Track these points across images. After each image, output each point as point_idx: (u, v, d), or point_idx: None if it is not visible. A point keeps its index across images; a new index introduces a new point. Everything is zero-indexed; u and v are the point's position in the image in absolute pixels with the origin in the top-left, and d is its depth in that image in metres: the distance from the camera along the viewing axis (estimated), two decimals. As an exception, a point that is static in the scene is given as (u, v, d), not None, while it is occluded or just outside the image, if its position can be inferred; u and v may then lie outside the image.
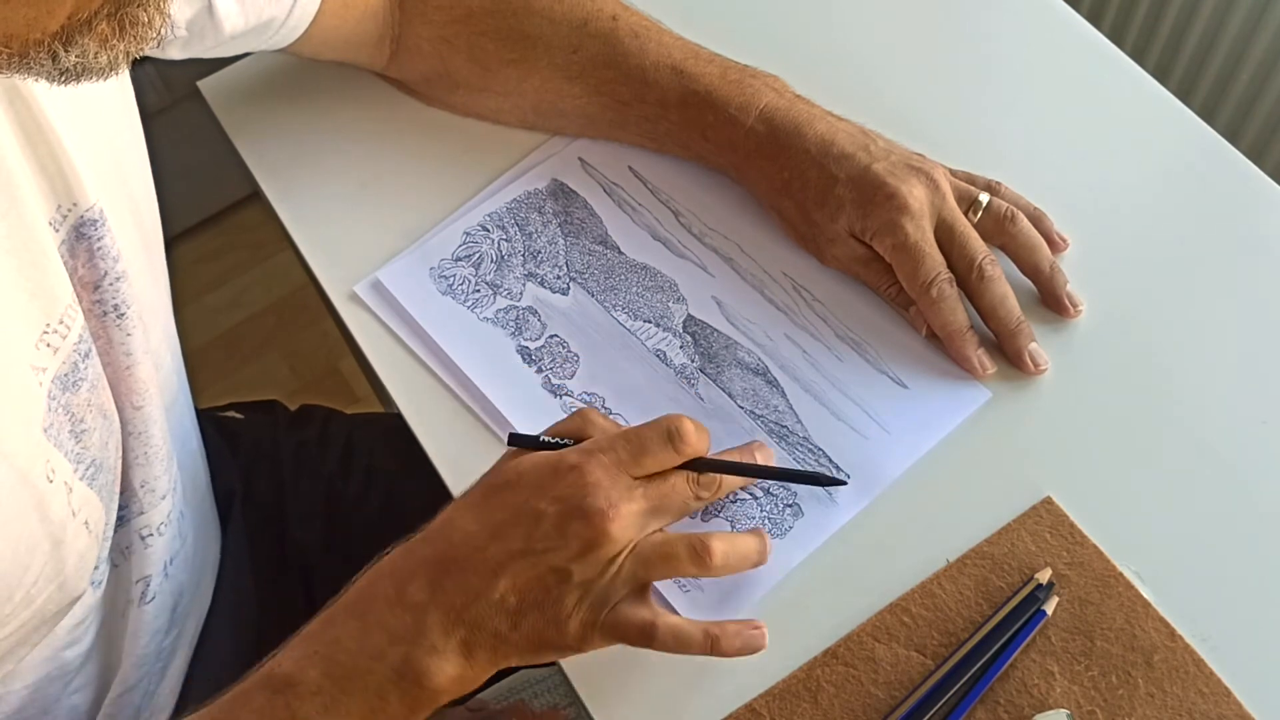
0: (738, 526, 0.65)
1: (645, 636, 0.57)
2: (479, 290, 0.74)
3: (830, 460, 0.67)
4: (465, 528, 0.57)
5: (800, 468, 0.67)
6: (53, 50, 0.40)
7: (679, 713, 0.61)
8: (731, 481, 0.62)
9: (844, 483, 0.65)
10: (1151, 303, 0.71)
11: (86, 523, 0.57)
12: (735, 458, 0.63)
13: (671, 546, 0.57)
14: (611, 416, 0.69)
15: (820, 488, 0.65)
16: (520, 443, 0.61)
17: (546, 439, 0.60)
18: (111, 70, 0.42)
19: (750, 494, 0.66)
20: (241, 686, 0.56)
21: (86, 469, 0.57)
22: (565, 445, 0.59)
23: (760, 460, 0.64)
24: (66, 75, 0.41)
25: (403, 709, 0.55)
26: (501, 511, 0.56)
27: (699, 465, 0.60)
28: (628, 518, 0.56)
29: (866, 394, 0.69)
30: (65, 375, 0.54)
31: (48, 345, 0.53)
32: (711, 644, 0.57)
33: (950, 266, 0.68)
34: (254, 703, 0.55)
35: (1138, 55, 1.23)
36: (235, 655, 0.77)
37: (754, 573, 0.63)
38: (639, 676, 0.62)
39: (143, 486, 0.64)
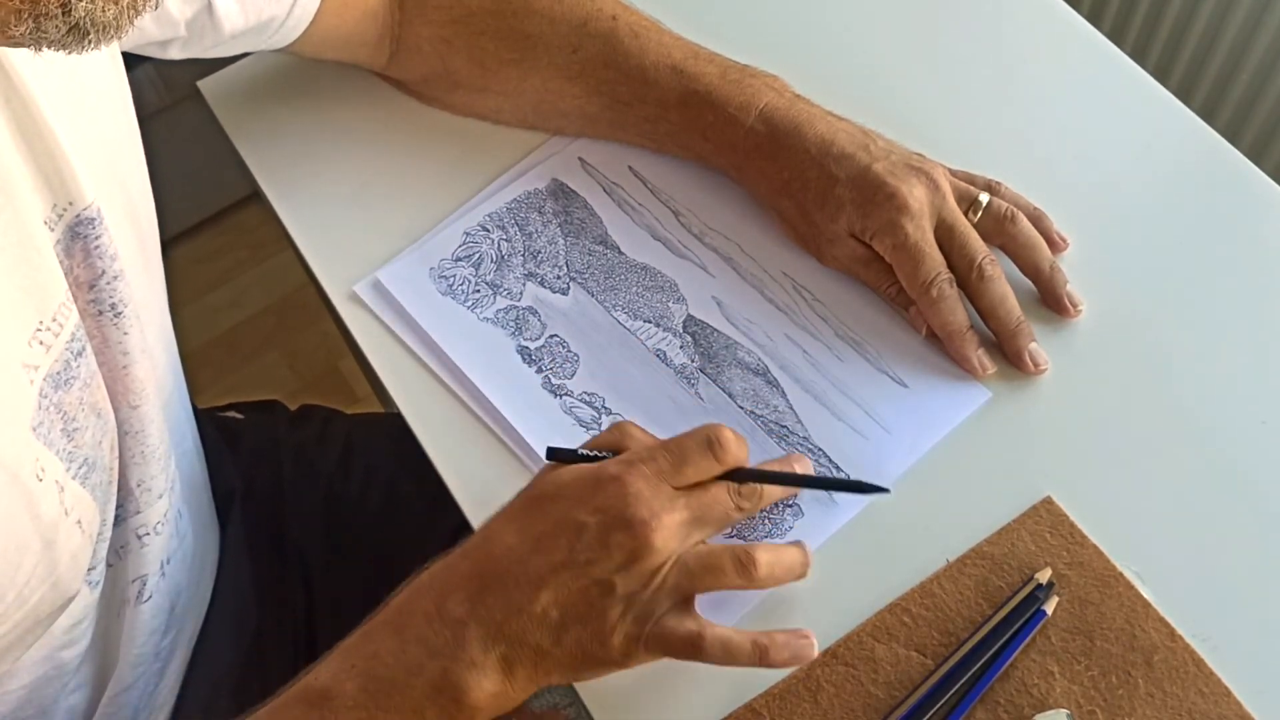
0: (738, 527, 0.65)
1: (692, 648, 0.56)
2: (479, 290, 0.74)
3: (830, 460, 0.67)
4: (505, 541, 0.56)
5: (842, 476, 0.66)
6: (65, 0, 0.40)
7: (679, 713, 0.61)
8: (773, 492, 0.62)
9: (887, 490, 0.63)
10: (1151, 303, 0.71)
11: (79, 522, 0.57)
12: (776, 469, 0.63)
13: (716, 558, 0.57)
14: (611, 416, 0.69)
15: (821, 489, 0.65)
16: (558, 456, 0.60)
17: (584, 451, 0.60)
18: (117, 28, 0.42)
19: (750, 494, 0.66)
20: (278, 700, 0.55)
21: (79, 468, 0.57)
22: (603, 458, 0.59)
23: (799, 472, 0.64)
24: (75, 33, 0.41)
25: None
26: (542, 524, 0.56)
27: (739, 476, 0.59)
28: (670, 528, 0.56)
29: (866, 394, 0.69)
30: (58, 373, 0.54)
31: (40, 343, 0.53)
32: (761, 654, 0.57)
33: (950, 266, 0.68)
34: (290, 715, 0.54)
35: (1138, 55, 1.23)
36: (234, 656, 0.77)
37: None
38: (639, 677, 0.62)
39: (139, 486, 0.64)
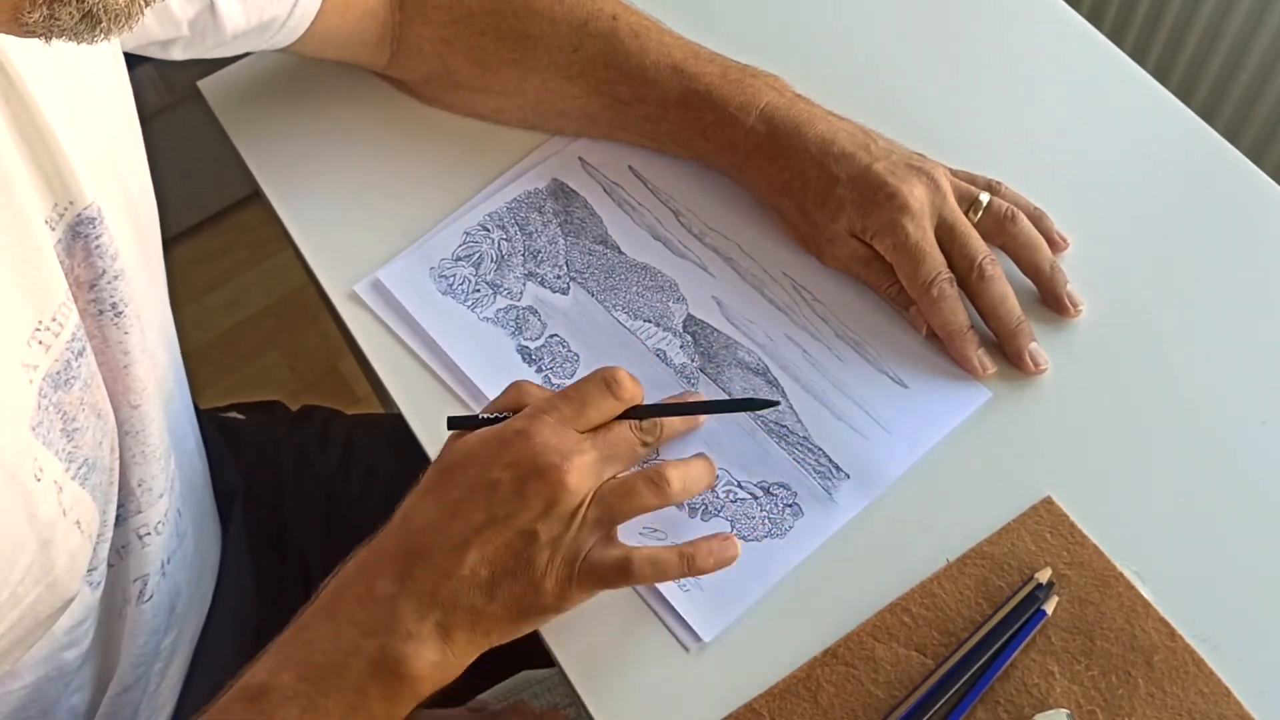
0: (738, 527, 0.65)
1: (623, 573, 0.58)
2: (479, 290, 0.74)
3: (830, 460, 0.67)
4: (425, 514, 0.57)
5: (728, 398, 0.69)
6: None
7: (679, 713, 0.61)
8: (673, 424, 0.64)
9: (776, 403, 0.67)
10: (1151, 302, 0.71)
11: (78, 522, 0.57)
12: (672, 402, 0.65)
13: (630, 484, 0.59)
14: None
15: (813, 479, 0.66)
16: (461, 424, 0.61)
17: (485, 415, 0.61)
18: (128, 17, 0.42)
19: (750, 494, 0.66)
20: (219, 703, 0.55)
21: (78, 468, 0.57)
22: (505, 418, 0.60)
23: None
24: (88, 21, 0.41)
25: (384, 703, 0.55)
26: (457, 490, 0.57)
27: (638, 413, 0.61)
28: (582, 468, 0.57)
29: (866, 394, 0.69)
30: (57, 373, 0.54)
31: (40, 343, 0.53)
32: (688, 563, 0.59)
33: (950, 266, 0.68)
34: (232, 715, 0.54)
35: (1138, 55, 1.23)
36: (235, 655, 0.76)
37: (754, 573, 0.63)
38: (639, 676, 0.62)
39: (140, 485, 0.64)
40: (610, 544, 0.58)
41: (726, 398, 0.69)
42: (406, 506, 0.58)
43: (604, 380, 0.60)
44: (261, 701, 0.54)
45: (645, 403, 0.62)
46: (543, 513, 0.56)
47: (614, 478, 0.59)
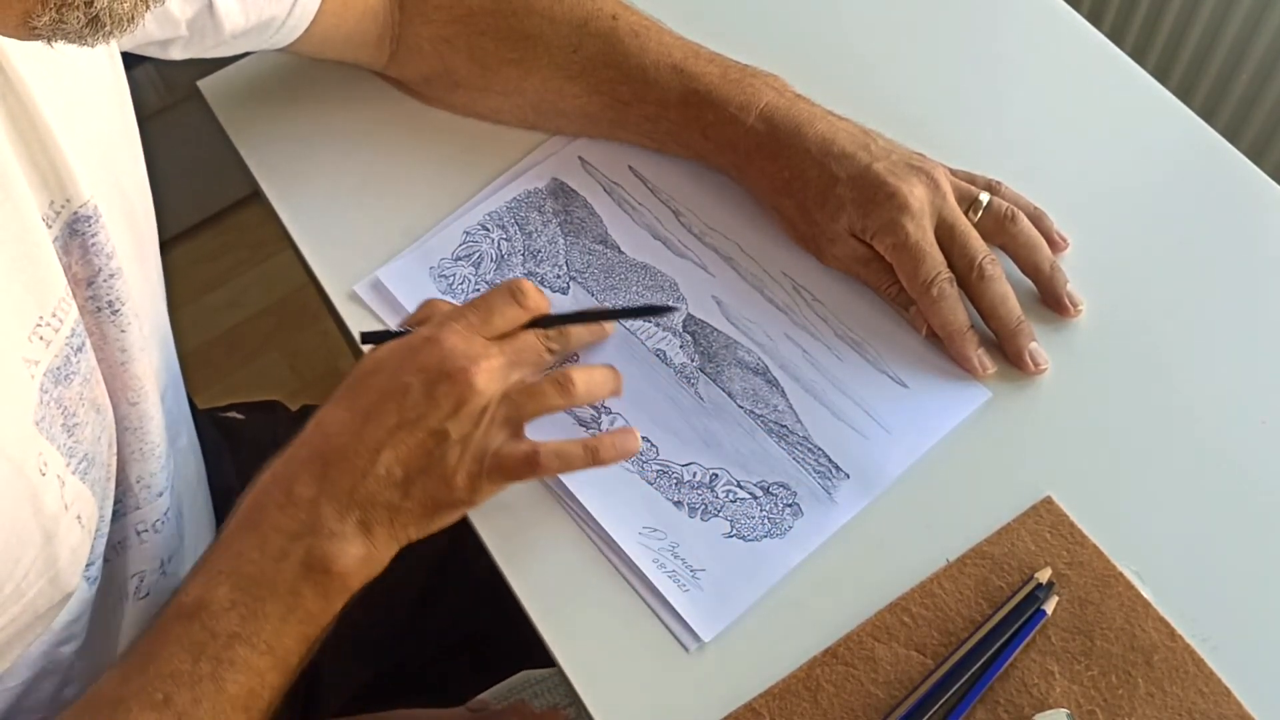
0: (738, 527, 0.65)
1: (530, 465, 0.60)
2: (479, 290, 0.74)
3: (830, 460, 0.67)
4: (337, 418, 0.59)
5: (630, 306, 0.72)
6: None
7: (679, 713, 0.61)
8: (579, 332, 0.68)
9: (675, 309, 0.70)
10: (1151, 302, 0.71)
11: (79, 517, 0.57)
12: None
13: (537, 385, 0.62)
14: (610, 416, 0.69)
15: (810, 472, 0.66)
16: (374, 339, 0.64)
17: (396, 329, 0.64)
18: (130, 21, 0.43)
19: (750, 494, 0.66)
20: (154, 626, 0.56)
21: (79, 463, 0.57)
22: (417, 330, 0.62)
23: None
24: (94, 25, 0.42)
25: (318, 599, 0.57)
26: (369, 396, 0.59)
27: (544, 323, 0.64)
28: (490, 370, 0.59)
29: (866, 394, 0.69)
30: (58, 369, 0.55)
31: (40, 338, 0.53)
32: (591, 454, 0.62)
33: (950, 266, 0.68)
34: (171, 634, 0.55)
35: (1138, 55, 1.22)
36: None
37: (754, 573, 0.63)
38: (639, 676, 0.62)
39: (138, 482, 0.64)
40: (518, 440, 0.61)
41: (629, 305, 0.72)
42: (319, 415, 0.60)
43: (509, 290, 0.63)
44: (200, 616, 0.55)
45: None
46: (451, 413, 0.58)
47: (522, 381, 0.62)
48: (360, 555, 0.57)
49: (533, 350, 0.63)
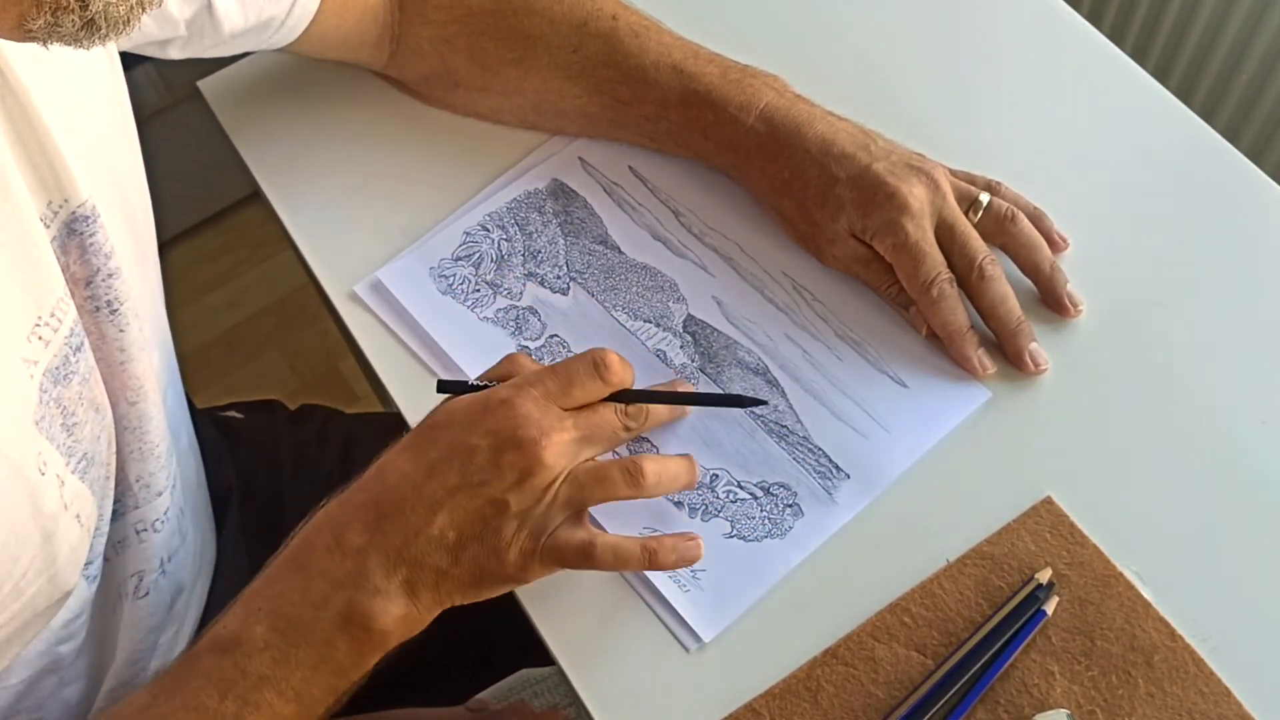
0: (738, 526, 0.65)
1: (585, 556, 0.58)
2: (479, 290, 0.74)
3: (830, 460, 0.67)
4: (400, 469, 0.58)
5: (723, 392, 0.69)
6: None
7: (679, 713, 0.61)
8: (659, 412, 0.65)
9: (765, 402, 0.67)
10: (1151, 303, 0.71)
11: (78, 516, 0.57)
12: (662, 390, 0.66)
13: (605, 470, 0.59)
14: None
15: (807, 468, 0.66)
16: (450, 389, 0.62)
17: (475, 382, 0.62)
18: (126, 24, 0.43)
19: (750, 494, 0.66)
20: (188, 654, 0.56)
21: (78, 462, 0.57)
22: (494, 386, 0.61)
23: (681, 391, 0.67)
24: (89, 28, 0.42)
25: (351, 654, 0.56)
26: (435, 450, 0.57)
27: (625, 397, 0.62)
28: (560, 445, 0.57)
29: (866, 394, 0.69)
30: (57, 368, 0.55)
31: (39, 338, 0.53)
32: (650, 557, 0.59)
33: (950, 266, 0.68)
34: (203, 667, 0.55)
35: (1138, 55, 1.22)
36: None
37: (754, 573, 0.63)
38: (639, 676, 0.62)
39: (138, 482, 0.64)
40: (578, 525, 0.59)
41: (718, 391, 0.69)
42: (383, 461, 0.59)
43: (593, 361, 0.60)
44: (234, 653, 0.55)
45: (636, 387, 0.63)
46: (515, 484, 0.56)
47: (592, 459, 0.60)
48: (400, 615, 0.56)
49: (609, 426, 0.60)
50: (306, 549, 0.57)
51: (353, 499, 0.58)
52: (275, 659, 0.54)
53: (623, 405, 0.61)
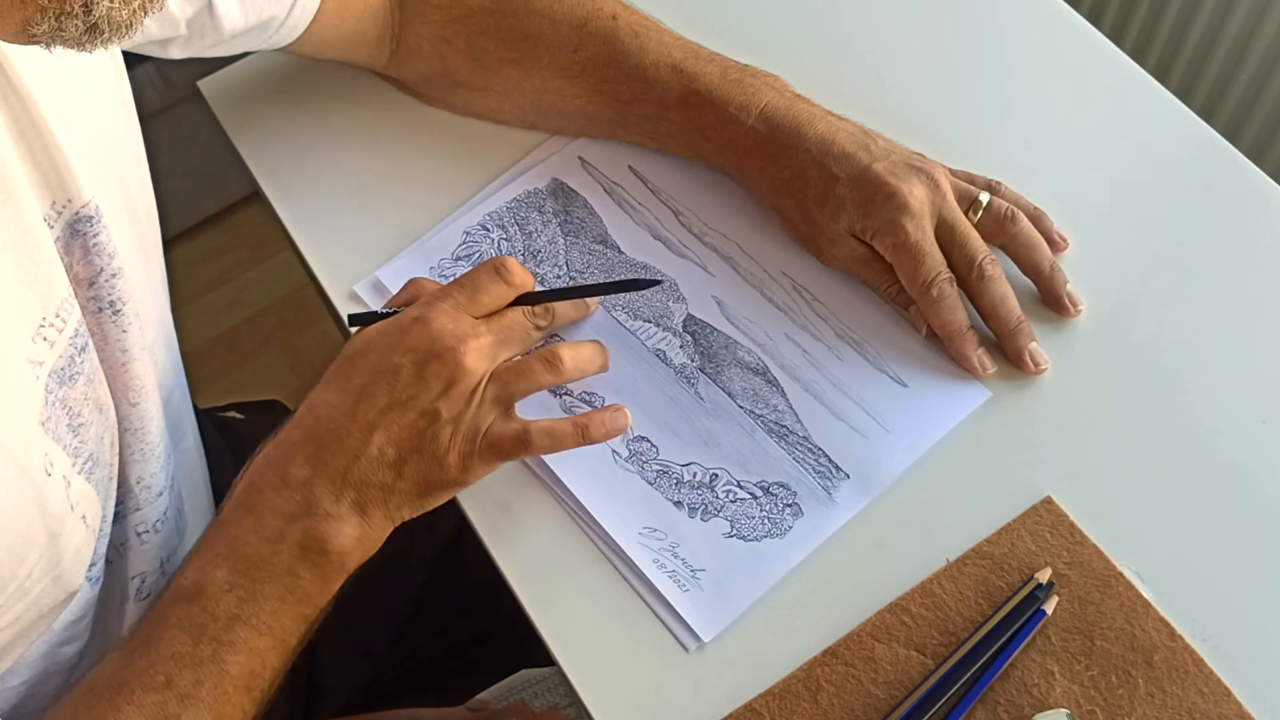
0: (737, 526, 0.65)
1: (522, 444, 0.61)
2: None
3: (830, 460, 0.67)
4: (329, 400, 0.60)
5: (615, 280, 0.72)
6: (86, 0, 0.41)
7: (679, 713, 0.61)
8: (565, 309, 0.68)
9: (658, 282, 0.69)
10: (1151, 303, 0.71)
11: (84, 517, 0.57)
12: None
13: (525, 363, 0.63)
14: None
15: (803, 463, 0.66)
16: (362, 320, 0.65)
17: (384, 310, 0.65)
18: (129, 27, 0.44)
19: (750, 494, 0.66)
20: (154, 611, 0.57)
21: (84, 463, 0.57)
22: (404, 310, 0.63)
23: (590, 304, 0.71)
24: (92, 32, 0.43)
25: (316, 581, 0.58)
26: (360, 376, 0.60)
27: (530, 299, 0.65)
28: (479, 350, 0.61)
29: (866, 394, 0.69)
30: (62, 369, 0.55)
31: (44, 339, 0.53)
32: (581, 432, 0.62)
33: (950, 266, 0.68)
34: (171, 618, 0.56)
35: (1138, 55, 1.23)
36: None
37: (754, 573, 0.63)
38: (639, 677, 0.62)
39: (139, 483, 0.64)
40: (509, 419, 0.62)
41: (614, 279, 0.72)
42: (310, 398, 0.61)
43: (494, 267, 0.63)
44: (199, 599, 0.56)
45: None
46: (443, 393, 0.59)
47: (510, 359, 0.62)
48: (356, 535, 0.58)
49: (520, 328, 0.64)
50: (253, 491, 0.58)
51: (288, 438, 0.60)
52: (241, 598, 0.56)
53: (529, 307, 0.64)
